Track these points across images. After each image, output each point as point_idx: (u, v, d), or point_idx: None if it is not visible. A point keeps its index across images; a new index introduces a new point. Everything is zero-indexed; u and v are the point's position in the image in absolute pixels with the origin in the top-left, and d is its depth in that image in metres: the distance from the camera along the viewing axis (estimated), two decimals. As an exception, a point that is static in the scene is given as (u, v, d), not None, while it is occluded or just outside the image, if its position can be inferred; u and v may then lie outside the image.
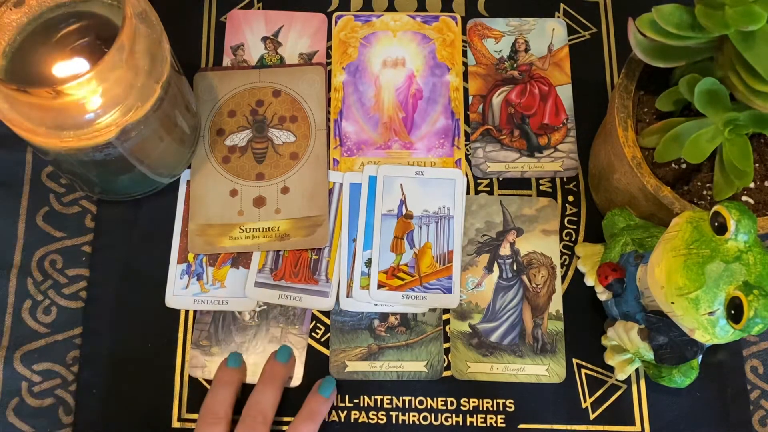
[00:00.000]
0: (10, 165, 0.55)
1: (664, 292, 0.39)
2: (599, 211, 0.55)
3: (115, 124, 0.43)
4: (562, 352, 0.52)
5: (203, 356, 0.51)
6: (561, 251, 0.54)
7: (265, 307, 0.52)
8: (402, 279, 0.53)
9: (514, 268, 0.53)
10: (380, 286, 0.52)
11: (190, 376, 0.51)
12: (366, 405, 0.51)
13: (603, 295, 0.48)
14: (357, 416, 0.50)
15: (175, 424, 0.50)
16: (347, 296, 0.52)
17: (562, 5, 0.60)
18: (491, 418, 0.50)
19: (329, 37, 0.59)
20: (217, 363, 0.51)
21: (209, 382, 0.51)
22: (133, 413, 0.50)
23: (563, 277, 0.53)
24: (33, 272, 0.53)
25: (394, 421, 0.50)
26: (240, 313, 0.52)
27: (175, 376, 0.51)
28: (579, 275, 0.52)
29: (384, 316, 0.52)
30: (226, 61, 0.58)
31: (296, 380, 0.51)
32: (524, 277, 0.53)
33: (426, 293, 0.52)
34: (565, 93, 0.58)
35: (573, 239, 0.54)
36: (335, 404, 0.51)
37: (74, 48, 0.44)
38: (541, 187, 0.55)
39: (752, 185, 0.46)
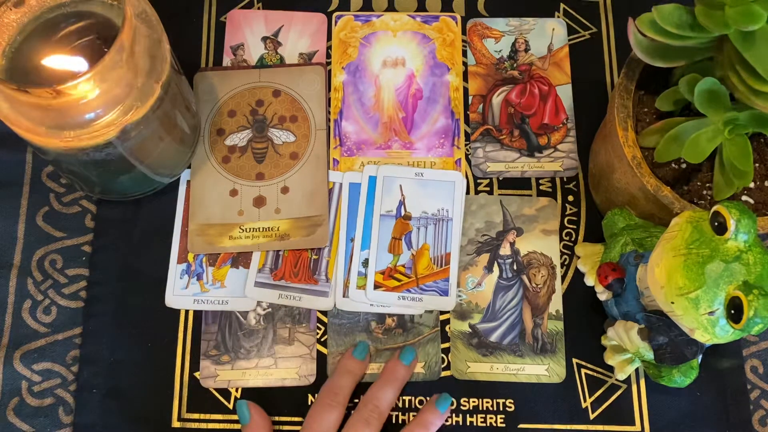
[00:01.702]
0: (10, 165, 0.55)
1: (664, 292, 0.39)
2: (599, 211, 0.55)
3: (115, 124, 0.43)
4: (562, 351, 0.52)
5: (214, 366, 0.51)
6: (561, 251, 0.54)
7: (270, 309, 0.52)
8: (399, 280, 0.53)
9: (514, 267, 0.53)
10: (377, 286, 0.52)
11: (190, 377, 0.51)
12: (366, 405, 0.51)
13: (603, 295, 0.48)
14: (357, 416, 0.50)
15: (175, 424, 0.50)
16: (343, 296, 0.52)
17: (562, 5, 0.60)
18: (491, 418, 0.50)
19: (329, 37, 0.59)
20: (229, 371, 0.51)
21: (220, 390, 0.51)
22: (133, 413, 0.50)
23: (563, 277, 0.53)
24: (33, 272, 0.53)
25: (394, 421, 0.50)
26: (245, 318, 0.52)
27: (175, 376, 0.51)
28: (579, 275, 0.52)
29: (381, 318, 0.52)
30: (226, 61, 0.58)
31: (310, 378, 0.51)
32: (524, 277, 0.53)
33: (422, 295, 0.52)
34: (565, 93, 0.58)
35: (573, 239, 0.54)
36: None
37: (74, 48, 0.44)
38: (541, 187, 0.55)
39: (752, 185, 0.46)
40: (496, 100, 0.57)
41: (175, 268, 0.53)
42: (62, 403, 0.50)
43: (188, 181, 0.55)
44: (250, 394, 0.51)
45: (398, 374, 0.49)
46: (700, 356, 0.45)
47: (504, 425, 0.50)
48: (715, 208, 0.38)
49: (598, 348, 0.51)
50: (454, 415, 0.51)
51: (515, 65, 0.58)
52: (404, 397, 0.51)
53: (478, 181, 0.56)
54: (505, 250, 0.54)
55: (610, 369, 0.51)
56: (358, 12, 0.60)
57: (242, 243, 0.53)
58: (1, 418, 0.50)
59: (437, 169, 0.55)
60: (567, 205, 0.55)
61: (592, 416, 0.51)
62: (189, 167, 0.55)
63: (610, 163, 0.48)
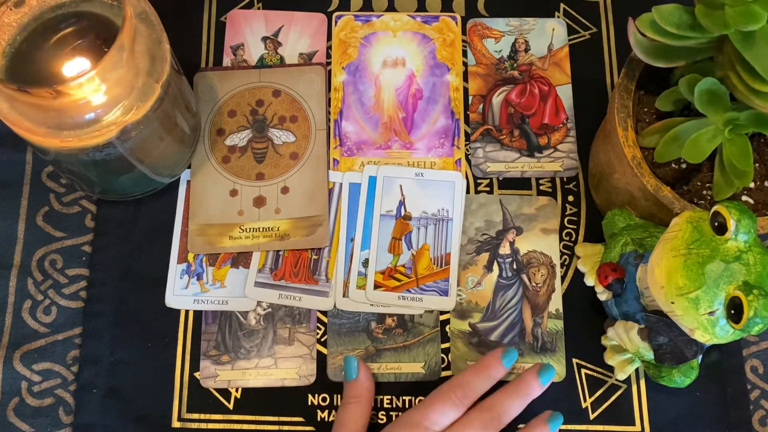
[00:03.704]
0: (10, 165, 0.55)
1: (664, 292, 0.39)
2: (599, 211, 0.55)
3: (115, 124, 0.43)
4: (561, 351, 0.52)
5: (214, 366, 0.51)
6: (561, 251, 0.54)
7: (270, 309, 0.52)
8: (399, 280, 0.53)
9: (514, 267, 0.53)
10: (377, 286, 0.52)
11: (190, 377, 0.51)
12: (366, 405, 0.51)
13: (603, 295, 0.48)
14: (357, 416, 0.50)
15: (175, 424, 0.50)
16: (343, 296, 0.52)
17: (562, 5, 0.60)
18: (491, 418, 0.50)
19: (329, 37, 0.59)
20: (229, 371, 0.51)
21: (220, 390, 0.51)
22: (133, 413, 0.50)
23: (563, 277, 0.53)
24: (33, 272, 0.53)
25: (385, 421, 0.50)
26: (245, 318, 0.52)
27: (175, 376, 0.51)
28: (579, 275, 0.52)
29: (381, 318, 0.52)
30: (226, 61, 0.58)
31: (310, 378, 0.51)
32: (524, 276, 0.53)
33: (422, 295, 0.52)
34: (565, 93, 0.58)
35: (573, 239, 0.54)
36: (334, 404, 0.51)
37: (74, 48, 0.44)
38: (541, 187, 0.55)
39: (752, 185, 0.46)
40: (496, 100, 0.57)
41: (175, 268, 0.53)
42: (62, 403, 0.50)
43: (188, 181, 0.55)
44: (250, 394, 0.51)
45: (531, 390, 0.47)
46: (700, 356, 0.45)
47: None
48: (715, 208, 0.38)
49: (598, 348, 0.51)
50: (454, 415, 0.50)
51: (515, 65, 0.58)
52: (404, 397, 0.51)
53: (478, 181, 0.56)
54: (504, 249, 0.54)
55: (610, 369, 0.51)
56: (358, 12, 0.60)
57: (242, 243, 0.53)
58: (1, 418, 0.50)
59: (437, 169, 0.55)
60: (567, 205, 0.55)
61: (592, 416, 0.51)
62: (189, 167, 0.55)
63: (610, 163, 0.48)
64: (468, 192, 0.55)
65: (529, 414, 0.50)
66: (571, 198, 0.55)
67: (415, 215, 0.54)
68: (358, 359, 0.49)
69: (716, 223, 0.38)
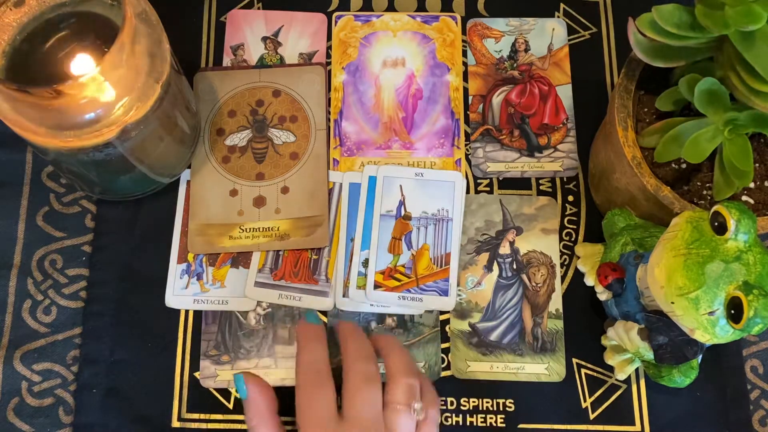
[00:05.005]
0: (10, 165, 0.55)
1: (664, 292, 0.39)
2: (599, 211, 0.55)
3: (115, 124, 0.43)
4: (561, 350, 0.52)
5: (214, 366, 0.51)
6: (561, 251, 0.54)
7: (270, 309, 0.52)
8: (399, 280, 0.53)
9: (514, 267, 0.53)
10: (377, 286, 0.52)
11: (190, 377, 0.51)
12: (366, 405, 0.50)
13: (603, 295, 0.48)
14: (357, 416, 0.50)
15: (175, 424, 0.50)
16: (343, 296, 0.52)
17: (562, 5, 0.60)
18: (491, 418, 0.50)
19: (329, 37, 0.59)
20: (228, 371, 0.51)
21: (220, 391, 0.51)
22: (133, 413, 0.50)
23: (563, 277, 0.53)
24: (33, 272, 0.53)
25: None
26: (245, 318, 0.52)
27: (175, 376, 0.51)
28: (579, 275, 0.52)
29: (381, 318, 0.52)
30: (226, 61, 0.58)
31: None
32: (524, 276, 0.53)
33: (422, 295, 0.52)
34: (565, 93, 0.58)
35: (573, 239, 0.54)
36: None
37: (74, 48, 0.44)
38: (541, 187, 0.55)
39: (752, 185, 0.46)
40: (496, 100, 0.57)
41: (175, 268, 0.53)
42: (62, 403, 0.50)
43: (188, 181, 0.55)
44: (250, 394, 0.51)
45: (317, 332, 0.47)
46: (700, 356, 0.45)
47: (504, 425, 0.50)
48: (715, 208, 0.38)
49: (598, 348, 0.51)
50: (454, 415, 0.51)
51: (515, 65, 0.58)
52: (404, 397, 0.51)
53: (478, 181, 0.56)
54: (504, 249, 0.54)
55: (610, 369, 0.51)
56: (358, 12, 0.60)
57: (242, 243, 0.53)
58: (1, 418, 0.50)
59: (437, 169, 0.55)
60: (567, 205, 0.55)
61: (592, 416, 0.51)
62: (189, 167, 0.55)
63: (610, 163, 0.48)
64: (468, 192, 0.55)
65: (533, 414, 0.51)
66: (571, 198, 0.55)
67: (415, 215, 0.54)
68: (245, 376, 0.46)
69: (716, 223, 0.38)
